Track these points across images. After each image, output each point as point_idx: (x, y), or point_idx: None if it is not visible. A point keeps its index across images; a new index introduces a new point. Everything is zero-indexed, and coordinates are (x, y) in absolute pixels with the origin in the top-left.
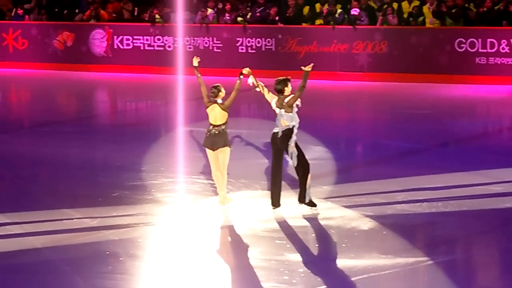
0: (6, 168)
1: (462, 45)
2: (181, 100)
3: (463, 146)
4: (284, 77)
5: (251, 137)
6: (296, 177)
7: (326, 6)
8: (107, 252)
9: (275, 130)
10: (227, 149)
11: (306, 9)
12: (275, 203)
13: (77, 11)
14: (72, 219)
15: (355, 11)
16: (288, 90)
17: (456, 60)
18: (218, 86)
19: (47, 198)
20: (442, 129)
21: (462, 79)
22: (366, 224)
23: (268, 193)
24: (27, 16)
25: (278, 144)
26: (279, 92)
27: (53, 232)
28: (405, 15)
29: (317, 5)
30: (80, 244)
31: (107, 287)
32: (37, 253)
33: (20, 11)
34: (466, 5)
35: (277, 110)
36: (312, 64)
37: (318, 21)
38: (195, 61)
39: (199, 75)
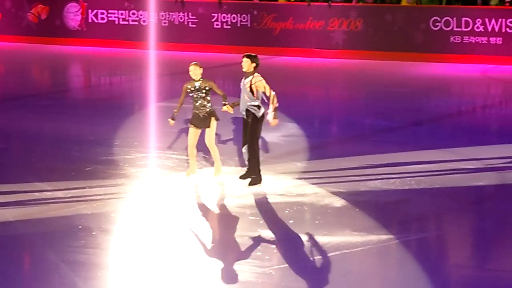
0: None
1: (437, 24)
2: (155, 75)
3: (436, 124)
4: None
5: (225, 114)
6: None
7: None
8: (80, 226)
9: (263, 110)
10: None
11: None
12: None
13: None
14: (45, 192)
15: None
16: None
17: (431, 38)
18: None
19: (19, 172)
20: (416, 107)
21: (436, 57)
22: (339, 201)
23: (243, 170)
24: None
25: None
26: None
27: (25, 205)
28: None
29: None
30: (53, 218)
31: (79, 261)
32: (9, 226)
33: None
34: None
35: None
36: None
37: None
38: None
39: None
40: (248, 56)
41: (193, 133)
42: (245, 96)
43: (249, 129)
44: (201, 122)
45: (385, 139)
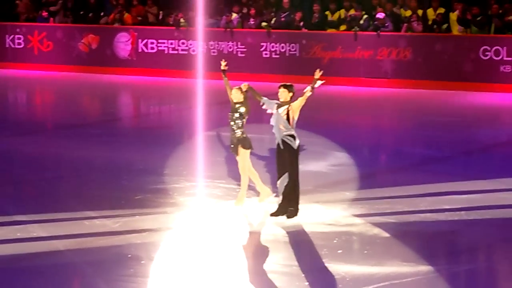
0: (30, 170)
1: (487, 53)
2: (204, 104)
3: (486, 154)
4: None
5: (272, 142)
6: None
7: (351, 12)
8: (129, 255)
9: (298, 141)
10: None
11: (330, 15)
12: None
13: (102, 14)
14: (95, 221)
15: (380, 15)
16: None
17: (480, 68)
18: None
19: (70, 200)
20: (466, 136)
21: (486, 87)
22: (388, 231)
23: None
24: (52, 19)
25: None
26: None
27: (76, 234)
28: (430, 22)
29: (342, 11)
30: (103, 247)
31: None
32: (60, 255)
33: (44, 14)
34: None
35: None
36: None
37: (342, 27)
38: (223, 65)
39: (226, 79)
40: (285, 86)
41: (237, 159)
42: (280, 126)
43: (289, 162)
44: (233, 148)
45: (435, 169)
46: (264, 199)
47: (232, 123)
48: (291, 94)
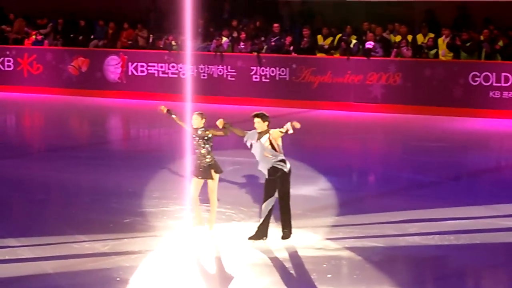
0: (18, 192)
1: (476, 79)
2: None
3: (475, 180)
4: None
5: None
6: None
7: (338, 37)
8: (118, 278)
9: (289, 165)
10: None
11: (322, 39)
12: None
13: (92, 37)
14: (84, 244)
15: (369, 44)
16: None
17: (470, 93)
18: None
19: (58, 223)
20: (454, 162)
21: (475, 112)
22: (377, 255)
23: (277, 224)
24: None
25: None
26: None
27: (64, 257)
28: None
29: (337, 37)
30: (91, 270)
31: None
32: (48, 278)
33: (39, 37)
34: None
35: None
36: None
37: (335, 53)
38: (163, 109)
39: (174, 117)
40: (259, 116)
41: (195, 183)
42: (266, 155)
43: (280, 186)
44: (202, 172)
45: (423, 194)
46: (211, 228)
47: (200, 149)
48: (266, 122)
